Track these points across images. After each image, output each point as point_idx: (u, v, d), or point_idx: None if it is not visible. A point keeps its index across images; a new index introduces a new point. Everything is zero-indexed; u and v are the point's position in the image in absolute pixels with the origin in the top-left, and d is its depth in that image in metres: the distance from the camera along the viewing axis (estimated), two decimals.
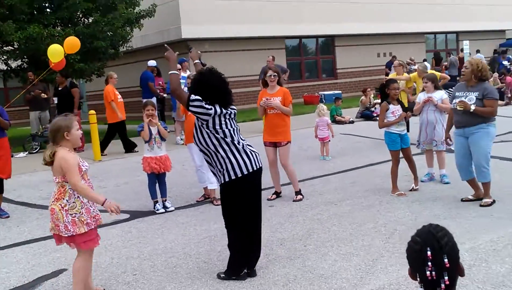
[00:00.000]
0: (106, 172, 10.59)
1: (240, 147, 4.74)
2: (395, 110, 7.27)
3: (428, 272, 2.12)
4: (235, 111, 4.91)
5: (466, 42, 26.34)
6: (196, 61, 5.63)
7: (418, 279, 2.21)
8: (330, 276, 4.68)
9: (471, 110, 6.29)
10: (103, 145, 12.60)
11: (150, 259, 5.44)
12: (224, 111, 4.72)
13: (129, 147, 12.82)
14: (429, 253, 2.13)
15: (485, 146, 6.40)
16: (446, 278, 2.11)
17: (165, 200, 7.42)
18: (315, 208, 6.96)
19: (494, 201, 6.49)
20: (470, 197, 6.69)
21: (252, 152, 4.82)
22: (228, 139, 4.71)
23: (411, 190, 7.37)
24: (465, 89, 6.53)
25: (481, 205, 6.42)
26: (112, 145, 13.56)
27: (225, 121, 4.74)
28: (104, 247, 5.91)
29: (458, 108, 6.37)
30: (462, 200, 6.71)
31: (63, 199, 4.22)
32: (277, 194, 7.61)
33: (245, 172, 4.69)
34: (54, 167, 4.25)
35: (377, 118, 15.58)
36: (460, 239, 5.28)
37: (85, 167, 4.35)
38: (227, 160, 4.69)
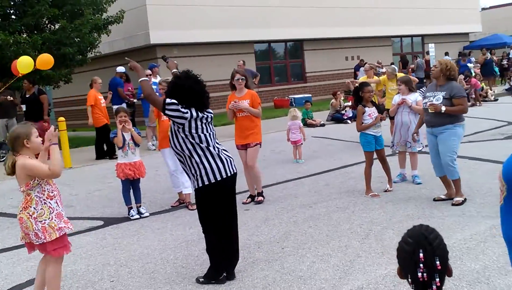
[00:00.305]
0: (77, 179, 10.44)
1: (215, 152, 4.75)
2: (371, 112, 7.36)
3: (420, 274, 2.14)
4: (212, 115, 4.91)
5: (431, 45, 26.84)
6: (174, 70, 5.58)
7: (408, 279, 2.22)
8: (309, 277, 4.71)
9: (442, 112, 6.43)
10: (99, 150, 12.62)
11: (127, 265, 5.39)
12: (200, 114, 4.72)
13: (102, 154, 12.66)
14: (421, 255, 2.16)
15: (451, 145, 6.55)
16: (437, 279, 2.14)
17: (140, 206, 7.35)
18: (291, 211, 7.00)
19: (465, 200, 6.63)
20: (442, 196, 6.82)
21: (227, 158, 4.83)
22: (204, 145, 4.71)
23: (385, 191, 7.47)
24: (434, 89, 6.69)
25: (453, 204, 6.55)
26: (82, 153, 13.39)
27: (201, 125, 4.73)
28: (79, 254, 5.83)
29: (430, 110, 6.52)
30: (434, 200, 6.83)
31: (30, 207, 4.15)
32: (252, 198, 7.63)
33: (219, 178, 4.70)
34: (17, 176, 4.19)
35: (348, 121, 15.90)
36: None
37: None
38: (201, 166, 4.69)
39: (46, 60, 10.27)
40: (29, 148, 4.21)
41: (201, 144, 4.70)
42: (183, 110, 4.61)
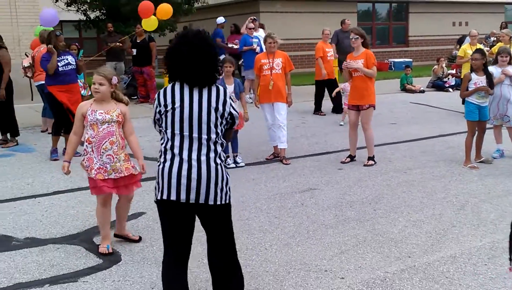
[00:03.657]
0: None
1: None
2: (477, 81, 7.09)
3: None
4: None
5: None
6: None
7: None
8: (400, 240, 4.75)
9: None
10: (317, 104, 12.13)
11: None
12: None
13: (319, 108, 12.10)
14: None
15: None
16: None
17: (236, 156, 7.61)
18: (384, 174, 6.98)
19: None
20: None
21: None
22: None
23: (480, 162, 7.26)
24: None
25: None
26: None
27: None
28: None
29: None
30: None
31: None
32: (351, 158, 7.66)
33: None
34: None
35: (449, 89, 15.33)
36: None
37: (92, 118, 4.47)
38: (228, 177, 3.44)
39: (166, 10, 10.69)
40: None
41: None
42: None
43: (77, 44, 11.66)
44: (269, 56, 7.69)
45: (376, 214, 5.47)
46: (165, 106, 3.28)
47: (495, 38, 17.42)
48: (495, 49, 10.72)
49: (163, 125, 3.31)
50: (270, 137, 7.95)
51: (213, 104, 3.27)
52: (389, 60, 22.93)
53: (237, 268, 3.44)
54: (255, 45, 12.96)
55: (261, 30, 13.87)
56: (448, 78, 15.95)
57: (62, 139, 8.27)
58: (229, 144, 7.58)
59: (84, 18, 17.33)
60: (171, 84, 3.34)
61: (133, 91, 13.83)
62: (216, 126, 3.28)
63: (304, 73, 20.56)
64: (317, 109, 12.10)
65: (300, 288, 3.91)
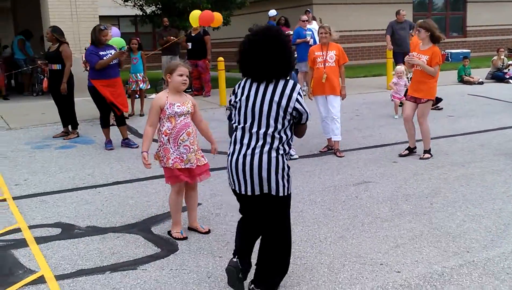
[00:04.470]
0: None
1: None
2: None
3: None
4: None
5: None
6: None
7: None
8: (458, 235, 4.66)
9: None
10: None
11: None
12: None
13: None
14: None
15: None
16: None
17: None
18: (441, 167, 6.84)
19: None
20: None
21: None
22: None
23: None
24: None
25: None
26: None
27: None
28: None
29: None
30: None
31: (158, 135, 4.73)
32: (410, 150, 7.54)
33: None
34: None
35: (510, 80, 14.82)
36: None
37: (170, 111, 4.57)
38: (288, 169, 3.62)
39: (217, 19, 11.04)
40: (170, 82, 4.65)
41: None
42: None
43: (138, 38, 11.95)
44: (323, 49, 7.64)
45: (433, 208, 5.38)
46: (235, 99, 3.56)
47: None
48: None
49: (233, 117, 3.56)
50: (324, 130, 7.92)
51: (276, 98, 3.40)
52: (446, 51, 22.32)
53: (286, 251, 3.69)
54: (308, 38, 12.91)
55: (314, 22, 13.80)
56: (509, 69, 15.42)
57: (116, 130, 8.54)
58: None
59: (141, 13, 17.71)
60: (244, 78, 3.58)
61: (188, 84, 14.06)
62: (276, 121, 3.41)
63: (358, 65, 20.35)
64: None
65: (355, 281, 3.90)
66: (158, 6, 17.13)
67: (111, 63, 8.16)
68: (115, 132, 8.72)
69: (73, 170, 7.25)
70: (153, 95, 14.05)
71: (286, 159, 3.51)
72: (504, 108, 11.15)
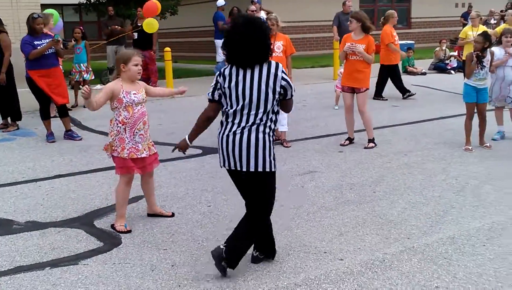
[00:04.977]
0: (178, 109, 10.90)
1: None
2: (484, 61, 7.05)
3: None
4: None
5: None
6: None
7: None
8: (400, 222, 4.77)
9: None
10: (379, 89, 11.76)
11: (224, 193, 5.68)
12: None
13: (403, 91, 11.75)
14: None
15: None
16: None
17: None
18: (385, 156, 6.98)
19: None
20: None
21: None
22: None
23: (484, 147, 7.21)
24: None
25: None
26: (183, 84, 13.86)
27: None
28: (179, 178, 6.22)
29: None
30: None
31: (111, 125, 4.68)
32: (350, 140, 7.67)
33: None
34: None
35: (451, 71, 15.28)
36: None
37: (127, 99, 4.57)
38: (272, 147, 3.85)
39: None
40: (125, 72, 4.62)
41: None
42: None
43: (81, 28, 11.64)
44: (270, 39, 7.63)
45: (376, 196, 5.48)
46: (223, 85, 3.75)
47: (495, 21, 17.29)
48: (500, 29, 10.63)
49: (223, 101, 3.79)
50: None
51: (264, 80, 3.67)
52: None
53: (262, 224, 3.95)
54: None
55: (262, 12, 13.78)
56: (450, 60, 15.89)
57: (60, 121, 8.32)
58: None
59: (85, 1, 17.25)
60: (229, 65, 3.78)
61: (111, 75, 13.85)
62: (266, 102, 3.67)
63: (306, 56, 20.50)
64: (379, 94, 11.71)
65: (299, 270, 3.93)
66: None
67: (47, 52, 7.86)
68: (59, 124, 8.48)
69: (12, 164, 7.01)
70: (98, 86, 13.74)
71: (272, 137, 3.76)
72: (446, 98, 11.49)
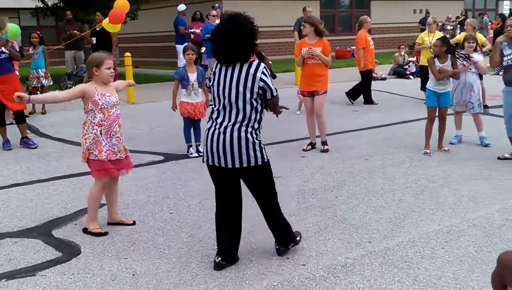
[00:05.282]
0: (139, 114, 10.77)
1: None
2: (439, 67, 7.19)
3: None
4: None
5: (506, 2, 25.52)
6: None
7: None
8: (361, 226, 4.81)
9: None
10: (367, 95, 11.70)
11: (185, 200, 5.63)
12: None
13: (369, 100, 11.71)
14: None
15: None
16: None
17: (199, 145, 7.57)
18: (346, 161, 7.05)
19: None
20: (507, 155, 6.77)
21: None
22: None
23: (443, 151, 7.34)
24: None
25: None
26: (144, 89, 13.73)
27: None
28: (141, 185, 6.13)
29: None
30: (498, 158, 6.80)
31: (84, 128, 4.66)
32: (312, 145, 7.73)
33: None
34: None
35: (410, 76, 15.57)
36: (491, 200, 5.37)
37: (103, 101, 4.58)
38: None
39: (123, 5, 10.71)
40: (97, 76, 4.61)
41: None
42: None
43: (38, 32, 11.39)
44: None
45: (338, 201, 5.53)
46: (210, 81, 3.88)
47: (451, 26, 17.72)
48: (460, 37, 10.91)
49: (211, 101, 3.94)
50: None
51: (242, 80, 3.73)
52: (351, 47, 23.09)
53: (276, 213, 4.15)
54: None
55: None
56: (409, 66, 16.19)
57: (16, 129, 8.11)
58: (192, 133, 7.53)
59: (42, 5, 16.90)
60: (216, 62, 3.88)
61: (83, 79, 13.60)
62: (244, 102, 3.75)
63: (273, 60, 20.55)
64: (369, 99, 11.65)
65: (262, 276, 3.91)
66: None
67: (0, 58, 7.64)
68: (15, 131, 8.26)
69: None
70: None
71: (256, 135, 3.84)
72: (405, 102, 11.70)
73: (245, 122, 3.79)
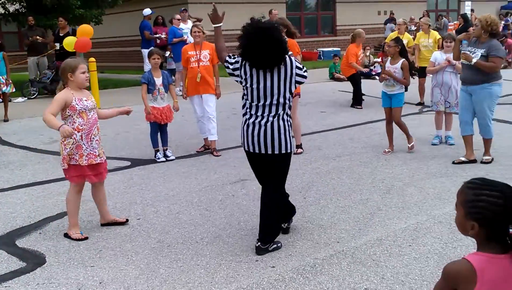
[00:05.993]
0: (105, 120, 10.59)
1: None
2: (389, 67, 7.30)
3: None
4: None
5: (468, 3, 26.06)
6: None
7: (482, 233, 2.00)
8: (329, 227, 4.83)
9: (472, 63, 6.34)
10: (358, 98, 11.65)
11: (153, 205, 5.57)
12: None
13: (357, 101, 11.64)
14: None
15: (489, 105, 6.53)
16: None
17: (166, 149, 7.51)
18: (314, 162, 7.08)
19: (492, 160, 6.65)
20: (462, 158, 6.76)
21: None
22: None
23: (409, 150, 7.40)
24: (475, 45, 6.55)
25: (482, 162, 6.62)
26: (110, 94, 13.57)
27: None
28: (107, 192, 6.01)
29: (462, 60, 6.52)
30: (453, 163, 6.71)
31: None
32: None
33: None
34: None
35: (376, 77, 15.74)
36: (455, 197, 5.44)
37: (81, 106, 4.60)
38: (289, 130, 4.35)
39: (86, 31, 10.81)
40: (72, 81, 4.61)
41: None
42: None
43: None
44: (196, 48, 7.60)
45: (306, 202, 5.54)
46: (245, 80, 4.24)
47: (415, 27, 18.03)
48: (411, 41, 11.13)
49: (244, 94, 4.29)
50: (200, 130, 7.89)
51: (282, 78, 4.17)
52: (318, 49, 23.30)
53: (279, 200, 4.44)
54: (185, 36, 12.80)
55: (189, 21, 13.73)
56: (375, 66, 16.40)
57: None
58: (159, 137, 7.46)
59: (3, 11, 16.55)
60: (244, 62, 4.23)
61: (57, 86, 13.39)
62: (284, 96, 4.20)
63: None
64: (359, 102, 11.61)
65: (232, 280, 3.89)
66: (22, 4, 16.11)
67: None
68: None
69: None
70: (19, 99, 13.23)
71: (289, 122, 4.29)
72: (371, 103, 11.81)
73: (282, 113, 4.23)
